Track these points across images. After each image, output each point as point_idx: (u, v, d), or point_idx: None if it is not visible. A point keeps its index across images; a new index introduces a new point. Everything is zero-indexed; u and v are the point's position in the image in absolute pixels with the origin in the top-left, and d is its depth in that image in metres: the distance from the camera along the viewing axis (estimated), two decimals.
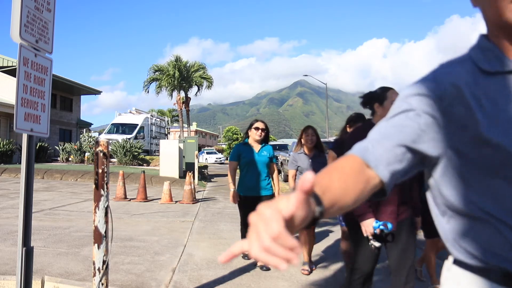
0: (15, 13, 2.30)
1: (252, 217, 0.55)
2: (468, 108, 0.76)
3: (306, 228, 4.10)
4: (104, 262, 2.27)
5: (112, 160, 17.58)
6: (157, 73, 29.38)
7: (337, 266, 4.18)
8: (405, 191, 2.39)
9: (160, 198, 8.68)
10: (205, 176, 16.57)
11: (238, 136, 68.61)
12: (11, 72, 19.94)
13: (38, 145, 18.14)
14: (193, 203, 8.57)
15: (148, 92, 29.68)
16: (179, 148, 13.89)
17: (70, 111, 27.60)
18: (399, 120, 0.80)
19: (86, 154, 18.72)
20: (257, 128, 4.01)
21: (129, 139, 20.10)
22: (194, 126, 65.17)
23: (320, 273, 3.87)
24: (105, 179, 2.26)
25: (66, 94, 26.78)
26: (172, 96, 29.57)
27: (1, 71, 20.27)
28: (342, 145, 3.59)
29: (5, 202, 7.58)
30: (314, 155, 4.05)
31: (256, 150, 4.00)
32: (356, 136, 2.40)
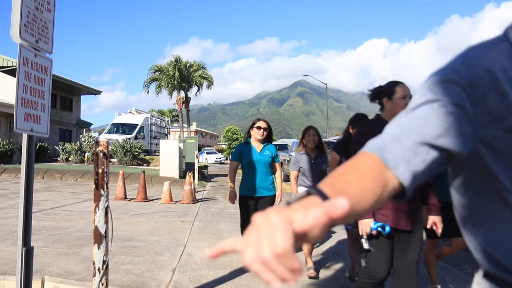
0: (15, 13, 2.30)
1: (257, 219, 0.49)
2: (505, 97, 0.66)
3: None
4: (104, 262, 2.27)
5: (112, 160, 17.58)
6: (157, 73, 29.39)
7: (337, 266, 4.18)
8: (416, 190, 2.38)
9: (160, 198, 8.68)
10: (205, 176, 16.57)
11: (238, 136, 68.61)
12: (11, 72, 19.93)
13: (38, 145, 18.14)
14: (193, 203, 8.57)
15: (148, 92, 29.71)
16: (179, 148, 13.89)
17: (70, 111, 27.61)
18: (421, 113, 0.68)
19: (86, 154, 18.72)
20: (259, 128, 3.95)
21: (129, 139, 20.11)
22: (194, 126, 65.19)
23: (320, 273, 3.87)
24: (105, 179, 2.26)
25: (66, 94, 26.78)
26: (172, 96, 29.61)
27: (1, 71, 20.27)
28: (345, 146, 3.52)
29: (5, 202, 7.58)
30: (316, 156, 4.01)
31: (258, 150, 3.94)
32: (365, 132, 2.34)
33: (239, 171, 4.12)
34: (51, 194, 9.14)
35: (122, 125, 23.46)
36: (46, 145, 19.19)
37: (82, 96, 29.36)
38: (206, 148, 53.19)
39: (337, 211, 0.49)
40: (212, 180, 16.42)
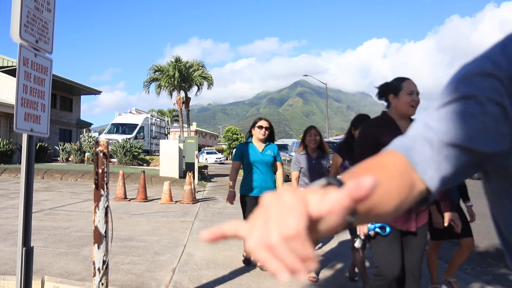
0: (15, 13, 2.30)
1: (266, 198, 0.42)
2: None
3: None
4: (104, 262, 2.27)
5: (112, 160, 17.58)
6: (157, 73, 29.39)
7: (337, 266, 4.18)
8: None
9: (160, 198, 8.68)
10: (205, 176, 16.57)
11: (238, 136, 68.66)
12: (11, 72, 19.94)
13: (38, 145, 18.14)
14: (193, 203, 8.57)
15: (148, 92, 29.72)
16: (179, 148, 13.89)
17: (70, 111, 27.61)
18: (454, 110, 0.61)
19: (86, 154, 18.73)
20: (260, 127, 3.91)
21: (129, 139, 20.11)
22: (194, 126, 65.21)
23: (320, 273, 3.87)
24: (105, 179, 2.26)
25: (66, 94, 26.79)
26: (172, 96, 29.61)
27: (1, 71, 20.27)
28: (347, 148, 3.45)
29: (5, 202, 7.58)
30: (317, 156, 3.96)
31: (259, 150, 3.90)
32: (370, 131, 2.26)
33: (240, 171, 4.09)
34: (51, 194, 9.14)
35: (122, 125, 23.46)
36: (46, 145, 19.19)
37: (82, 96, 29.37)
38: (206, 148, 53.21)
39: (362, 190, 0.42)
40: (212, 180, 16.42)
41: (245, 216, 3.88)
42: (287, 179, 11.92)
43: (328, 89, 35.60)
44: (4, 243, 4.41)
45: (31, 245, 2.40)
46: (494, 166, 0.63)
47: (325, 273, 3.88)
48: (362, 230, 2.21)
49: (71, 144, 20.42)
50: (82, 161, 18.67)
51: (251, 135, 3.99)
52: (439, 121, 0.61)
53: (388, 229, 2.16)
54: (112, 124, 23.96)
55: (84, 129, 28.89)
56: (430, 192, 0.61)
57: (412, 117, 2.30)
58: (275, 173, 4.02)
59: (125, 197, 8.68)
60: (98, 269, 2.26)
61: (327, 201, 0.42)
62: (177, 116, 35.02)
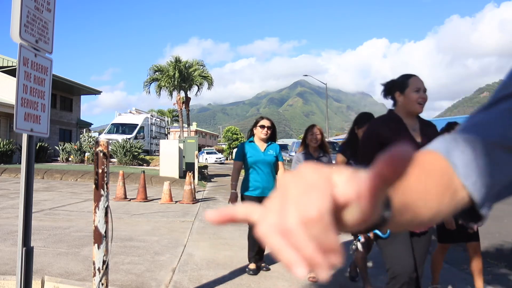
0: (15, 13, 2.30)
1: (285, 177, 0.35)
2: None
3: None
4: (104, 262, 2.27)
5: (112, 160, 17.58)
6: (157, 73, 29.40)
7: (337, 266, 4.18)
8: None
9: (160, 198, 8.68)
10: (205, 176, 16.57)
11: (238, 136, 68.67)
12: (11, 72, 19.94)
13: (38, 145, 18.14)
14: (193, 203, 8.57)
15: (149, 92, 29.72)
16: (179, 148, 13.89)
17: (70, 111, 27.61)
18: (505, 109, 0.54)
19: (86, 154, 18.73)
20: (262, 126, 3.84)
21: (129, 139, 20.11)
22: (194, 126, 65.23)
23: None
24: (105, 179, 2.26)
25: (66, 94, 26.79)
26: (172, 96, 29.62)
27: (1, 71, 20.27)
28: (351, 148, 3.38)
29: (5, 202, 7.58)
30: (319, 156, 3.86)
31: (261, 149, 3.83)
32: (375, 130, 2.18)
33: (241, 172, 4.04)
34: (51, 194, 9.15)
35: (122, 125, 23.47)
36: (46, 145, 19.19)
37: (82, 96, 29.37)
38: (206, 148, 53.24)
39: (401, 158, 0.32)
40: (212, 180, 16.42)
41: None
42: None
43: (328, 89, 35.61)
44: (4, 243, 4.41)
45: (31, 245, 2.40)
46: None
47: None
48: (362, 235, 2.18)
49: (71, 144, 20.42)
50: (82, 161, 18.68)
51: (252, 135, 3.93)
52: (488, 121, 0.55)
53: (388, 231, 2.08)
54: (112, 124, 23.96)
55: (84, 129, 28.89)
56: (474, 202, 0.52)
57: (420, 115, 2.23)
58: (277, 173, 3.96)
59: (125, 197, 8.68)
60: (98, 269, 2.26)
61: (357, 181, 0.33)
62: (177, 116, 35.02)
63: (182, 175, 13.11)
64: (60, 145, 20.26)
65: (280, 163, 3.94)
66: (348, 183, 0.34)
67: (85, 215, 6.45)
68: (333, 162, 3.99)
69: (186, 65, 29.31)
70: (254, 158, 3.78)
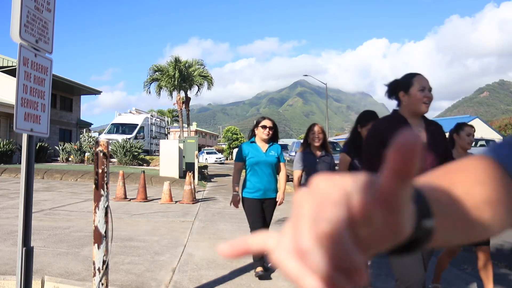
0: (15, 13, 2.30)
1: (298, 194, 0.31)
2: None
3: None
4: (104, 262, 2.27)
5: (112, 160, 17.58)
6: (157, 73, 29.40)
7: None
8: None
9: (160, 198, 8.68)
10: (205, 176, 16.57)
11: (238, 136, 68.68)
12: (11, 72, 19.94)
13: (38, 145, 18.14)
14: (193, 203, 8.57)
15: (149, 92, 29.72)
16: (179, 148, 13.89)
17: (70, 111, 27.62)
18: None
19: (86, 154, 18.73)
20: (264, 127, 3.76)
21: (129, 139, 20.11)
22: (194, 126, 65.23)
23: None
24: (105, 179, 2.26)
25: (66, 94, 26.79)
26: (172, 96, 29.62)
27: (1, 71, 20.27)
28: (355, 147, 3.31)
29: (5, 202, 7.58)
30: (321, 155, 3.79)
31: (263, 150, 3.76)
32: (379, 130, 2.10)
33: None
34: (51, 194, 9.15)
35: (122, 125, 23.47)
36: (46, 145, 19.20)
37: (82, 96, 29.38)
38: (206, 148, 53.23)
39: (407, 145, 0.28)
40: (212, 180, 16.42)
41: (250, 220, 3.73)
42: (287, 179, 11.90)
43: (328, 89, 35.61)
44: (4, 243, 4.41)
45: (31, 245, 2.40)
46: None
47: None
48: None
49: (71, 144, 20.42)
50: (82, 161, 18.68)
51: (254, 135, 3.86)
52: None
53: None
54: (112, 124, 23.97)
55: (84, 129, 28.89)
56: None
57: (426, 115, 2.16)
58: (278, 174, 3.91)
59: (125, 197, 8.68)
60: (98, 269, 2.26)
61: (371, 186, 0.30)
62: (177, 116, 35.03)
63: (182, 175, 13.11)
64: (60, 145, 20.26)
65: (281, 164, 3.88)
66: (364, 189, 0.29)
67: (85, 215, 6.45)
68: (336, 161, 3.91)
69: (186, 65, 29.32)
70: (256, 159, 3.72)
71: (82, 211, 6.90)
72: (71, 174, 12.75)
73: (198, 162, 14.77)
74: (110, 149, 2.49)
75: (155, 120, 26.67)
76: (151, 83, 29.56)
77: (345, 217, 0.28)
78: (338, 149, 13.60)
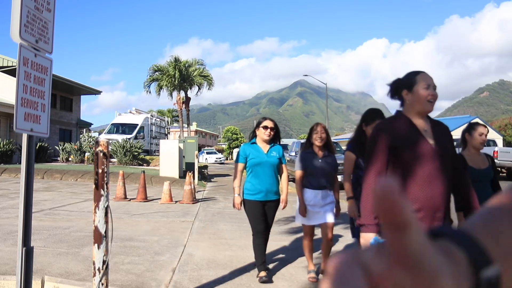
0: (15, 13, 2.30)
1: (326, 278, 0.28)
2: None
3: (311, 234, 3.77)
4: (104, 262, 2.27)
5: (112, 160, 17.58)
6: (157, 73, 29.40)
7: None
8: (444, 195, 1.94)
9: (160, 198, 8.68)
10: (205, 176, 16.57)
11: (237, 136, 68.68)
12: (11, 72, 19.94)
13: (38, 145, 18.14)
14: (193, 203, 8.57)
15: (149, 92, 29.71)
16: (179, 148, 13.90)
17: (70, 111, 27.61)
18: None
19: (86, 154, 18.73)
20: (265, 127, 3.70)
21: (129, 139, 20.10)
22: (194, 126, 65.22)
23: (320, 274, 3.87)
24: (105, 179, 2.26)
25: (66, 94, 26.79)
26: (172, 96, 29.62)
27: (1, 71, 20.27)
28: (360, 145, 3.22)
29: (5, 202, 7.58)
30: (323, 155, 3.68)
31: (264, 151, 3.70)
32: (384, 132, 2.00)
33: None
34: (51, 194, 9.15)
35: (122, 125, 23.46)
36: (46, 145, 19.19)
37: (82, 96, 29.37)
38: (206, 148, 53.22)
39: (385, 191, 0.26)
40: (212, 180, 16.42)
41: (252, 222, 3.68)
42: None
43: (328, 89, 35.60)
44: (4, 243, 4.41)
45: (31, 245, 2.40)
46: None
47: None
48: (365, 244, 2.00)
49: (71, 144, 20.42)
50: (82, 161, 18.68)
51: (255, 136, 3.80)
52: None
53: None
54: (112, 124, 23.96)
55: (84, 129, 28.89)
56: None
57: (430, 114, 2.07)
58: (280, 176, 3.86)
59: (125, 197, 8.68)
60: (98, 269, 2.26)
61: (383, 249, 0.27)
62: (177, 116, 35.03)
63: (182, 175, 13.11)
64: (60, 145, 20.26)
65: (283, 166, 3.84)
66: (376, 259, 0.27)
67: (85, 215, 6.45)
68: (338, 161, 3.86)
69: (186, 65, 29.32)
70: (257, 159, 3.66)
71: (82, 211, 6.90)
72: (71, 174, 12.75)
73: (198, 162, 14.77)
74: (110, 149, 2.49)
75: (155, 120, 26.66)
76: (151, 83, 29.57)
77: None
78: (338, 149, 13.59)
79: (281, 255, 4.55)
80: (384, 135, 1.99)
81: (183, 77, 28.62)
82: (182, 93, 29.42)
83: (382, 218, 0.26)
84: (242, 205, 3.71)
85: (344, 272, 0.27)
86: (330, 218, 3.62)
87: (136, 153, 18.09)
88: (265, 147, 3.73)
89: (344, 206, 3.50)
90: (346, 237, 5.25)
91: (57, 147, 20.32)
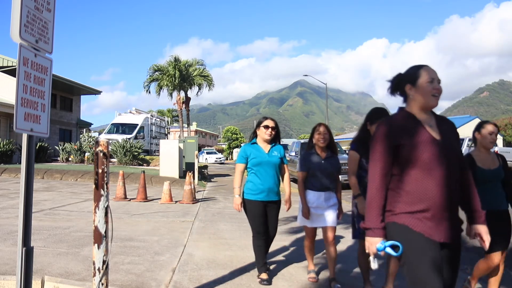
0: (15, 13, 2.30)
1: None
2: None
3: (312, 236, 3.70)
4: (104, 262, 2.27)
5: (112, 160, 17.58)
6: (156, 73, 29.40)
7: (337, 266, 4.18)
8: (452, 194, 1.85)
9: (160, 198, 8.68)
10: (205, 176, 16.57)
11: (237, 136, 68.68)
12: (11, 72, 19.94)
13: (38, 145, 18.14)
14: (193, 203, 8.57)
15: (149, 92, 29.70)
16: (179, 148, 13.90)
17: (70, 111, 27.62)
18: None
19: (86, 154, 18.74)
20: (266, 127, 3.66)
21: (129, 139, 20.10)
22: (194, 126, 65.23)
23: (320, 274, 3.87)
24: (105, 179, 2.26)
25: (66, 94, 26.79)
26: (172, 96, 29.62)
27: (1, 71, 20.28)
28: (364, 144, 3.17)
29: (5, 202, 7.58)
30: (326, 156, 3.61)
31: (265, 151, 3.65)
32: (388, 130, 1.92)
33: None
34: (51, 194, 9.14)
35: (122, 125, 23.45)
36: (46, 145, 19.20)
37: (82, 96, 29.38)
38: (206, 148, 53.23)
39: None
40: (212, 180, 16.41)
41: (252, 223, 3.64)
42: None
43: (328, 89, 35.58)
44: (4, 243, 4.41)
45: (31, 245, 2.40)
46: None
47: (325, 273, 3.88)
48: (370, 249, 1.88)
49: (71, 144, 20.42)
50: (82, 161, 18.68)
51: (255, 136, 3.76)
52: None
53: (400, 248, 1.80)
54: (112, 124, 23.95)
55: (84, 129, 28.90)
56: None
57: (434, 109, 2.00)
58: (282, 176, 3.81)
59: (125, 197, 8.68)
60: (98, 269, 2.26)
61: None
62: (177, 116, 35.02)
63: (182, 175, 13.11)
64: (60, 145, 20.27)
65: (285, 166, 3.80)
66: None
67: (85, 215, 6.45)
68: (341, 162, 3.79)
69: (186, 64, 29.32)
70: (258, 159, 3.61)
71: (82, 211, 6.90)
72: (71, 174, 12.75)
73: (198, 162, 14.77)
74: (110, 149, 2.49)
75: (155, 120, 26.65)
76: (151, 83, 29.57)
77: None
78: (338, 149, 13.58)
79: (281, 255, 4.55)
80: (388, 133, 1.92)
81: (183, 77, 28.63)
82: (182, 93, 29.43)
83: None
84: (242, 206, 3.65)
85: None
86: (333, 221, 3.55)
87: (136, 153, 18.10)
88: (266, 147, 3.69)
89: (345, 206, 3.49)
90: (346, 238, 5.25)
91: (57, 147, 20.33)
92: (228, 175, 19.36)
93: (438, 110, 2.05)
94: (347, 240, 5.17)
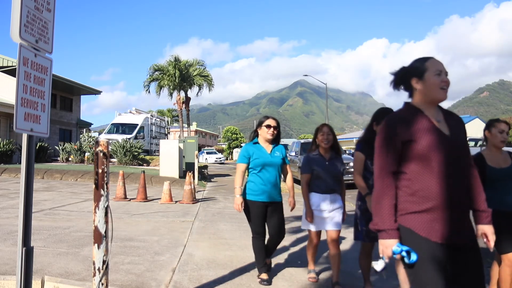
0: (15, 13, 2.30)
1: None
2: None
3: (316, 239, 3.66)
4: (104, 262, 2.27)
5: (112, 160, 17.58)
6: (156, 73, 29.40)
7: None
8: (462, 193, 1.77)
9: (160, 198, 8.68)
10: (205, 176, 16.56)
11: (237, 136, 68.66)
12: (11, 72, 19.94)
13: (38, 145, 18.14)
14: (193, 203, 8.57)
15: (149, 92, 29.70)
16: (179, 148, 13.89)
17: (70, 111, 27.61)
18: None
19: (86, 154, 18.74)
20: (268, 126, 3.58)
21: (129, 139, 20.10)
22: (194, 126, 65.21)
23: (320, 274, 3.87)
24: (105, 179, 2.26)
25: (66, 94, 26.79)
26: (172, 96, 29.62)
27: (1, 71, 20.27)
28: (370, 145, 3.07)
29: (5, 202, 7.58)
30: (330, 157, 3.53)
31: (267, 151, 3.59)
32: (395, 126, 1.84)
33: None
34: (51, 194, 9.14)
35: (122, 125, 23.44)
36: (46, 145, 19.20)
37: (82, 96, 29.37)
38: (206, 148, 53.22)
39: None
40: (212, 180, 16.41)
41: (252, 224, 3.59)
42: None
43: (328, 89, 35.58)
44: (4, 243, 4.41)
45: (31, 245, 2.40)
46: None
47: (326, 274, 3.88)
48: (385, 252, 1.77)
49: (71, 144, 20.42)
50: (82, 161, 18.68)
51: (256, 135, 3.69)
52: None
53: (415, 257, 1.69)
54: (112, 124, 23.95)
55: (84, 129, 28.89)
56: None
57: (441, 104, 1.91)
58: (284, 176, 3.78)
59: (125, 197, 8.68)
60: (98, 269, 2.26)
61: None
62: (177, 116, 35.02)
63: (182, 175, 13.10)
64: (60, 145, 20.27)
65: (287, 166, 3.74)
66: None
67: (85, 215, 6.45)
68: (344, 162, 3.73)
69: (186, 64, 29.32)
70: (261, 160, 3.55)
71: (82, 211, 6.90)
72: (71, 174, 12.75)
73: (198, 162, 14.77)
74: (110, 149, 2.49)
75: (155, 120, 26.64)
76: (151, 83, 29.57)
77: None
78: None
79: (281, 255, 4.54)
80: (395, 129, 1.82)
81: (183, 77, 28.63)
82: (182, 93, 29.43)
83: None
84: (243, 206, 3.58)
85: None
86: (338, 224, 3.50)
87: (136, 153, 18.09)
88: (268, 147, 3.63)
89: (347, 207, 3.48)
90: (348, 238, 5.25)
91: (57, 147, 20.33)
92: (228, 175, 19.36)
93: None
94: (348, 240, 5.17)
